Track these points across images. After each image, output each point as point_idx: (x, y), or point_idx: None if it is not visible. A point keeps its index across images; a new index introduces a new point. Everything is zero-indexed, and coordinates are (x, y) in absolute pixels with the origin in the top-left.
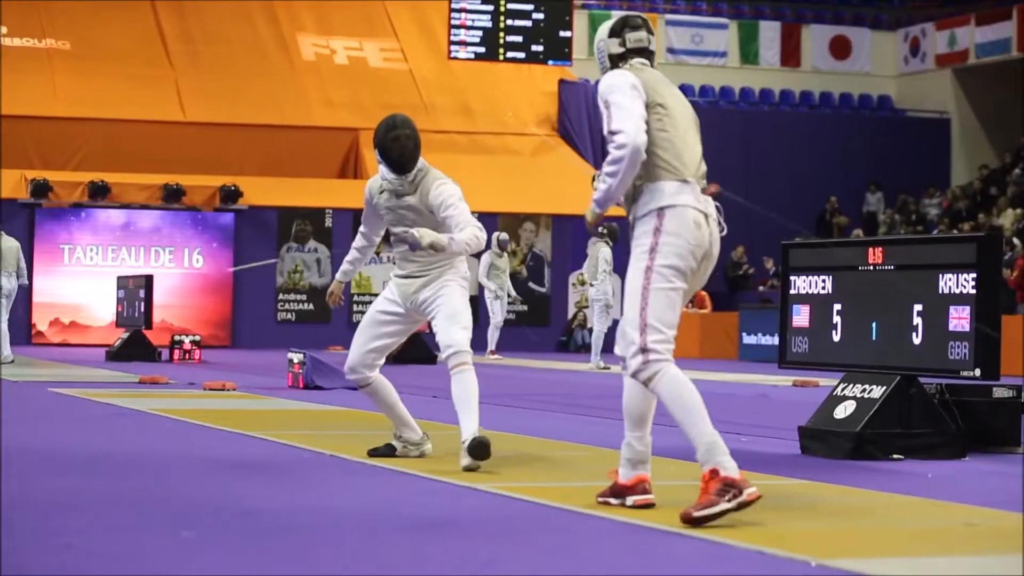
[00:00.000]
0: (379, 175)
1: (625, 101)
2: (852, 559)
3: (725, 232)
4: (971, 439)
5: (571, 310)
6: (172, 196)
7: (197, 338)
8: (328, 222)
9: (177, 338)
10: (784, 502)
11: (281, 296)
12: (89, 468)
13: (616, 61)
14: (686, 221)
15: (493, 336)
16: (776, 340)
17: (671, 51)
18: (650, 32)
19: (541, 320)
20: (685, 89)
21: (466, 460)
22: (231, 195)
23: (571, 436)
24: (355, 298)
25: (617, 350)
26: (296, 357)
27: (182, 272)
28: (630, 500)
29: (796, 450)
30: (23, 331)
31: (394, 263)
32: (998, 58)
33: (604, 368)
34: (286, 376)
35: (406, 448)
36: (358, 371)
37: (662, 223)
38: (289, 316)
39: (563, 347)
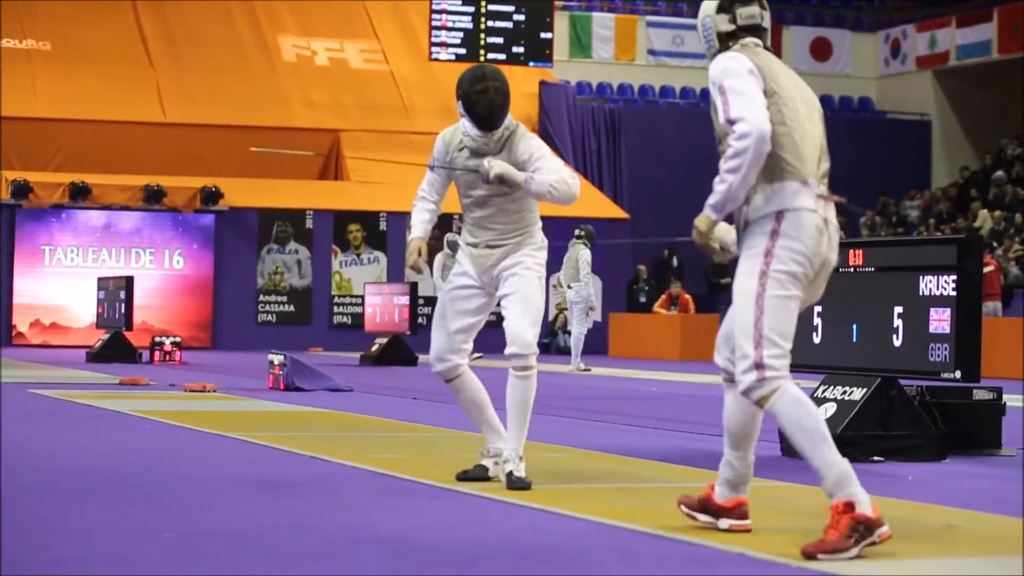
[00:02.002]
0: (456, 128)
1: (743, 86)
2: (832, 561)
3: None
4: (951, 441)
5: (552, 312)
6: (153, 197)
7: (177, 339)
8: (309, 223)
9: (157, 339)
10: (765, 504)
11: (262, 298)
12: (69, 470)
13: (725, 40)
14: (807, 226)
15: None
16: None
17: (652, 52)
18: (763, 7)
19: None
20: (666, 91)
21: (504, 481)
22: (212, 196)
23: (552, 438)
24: (335, 299)
25: (718, 359)
26: (277, 359)
27: (163, 273)
28: (725, 523)
29: (777, 452)
30: (3, 332)
31: (453, 234)
32: (979, 60)
33: (585, 370)
34: (267, 378)
35: (499, 465)
36: (446, 358)
37: (780, 226)
38: (270, 318)
39: (545, 349)
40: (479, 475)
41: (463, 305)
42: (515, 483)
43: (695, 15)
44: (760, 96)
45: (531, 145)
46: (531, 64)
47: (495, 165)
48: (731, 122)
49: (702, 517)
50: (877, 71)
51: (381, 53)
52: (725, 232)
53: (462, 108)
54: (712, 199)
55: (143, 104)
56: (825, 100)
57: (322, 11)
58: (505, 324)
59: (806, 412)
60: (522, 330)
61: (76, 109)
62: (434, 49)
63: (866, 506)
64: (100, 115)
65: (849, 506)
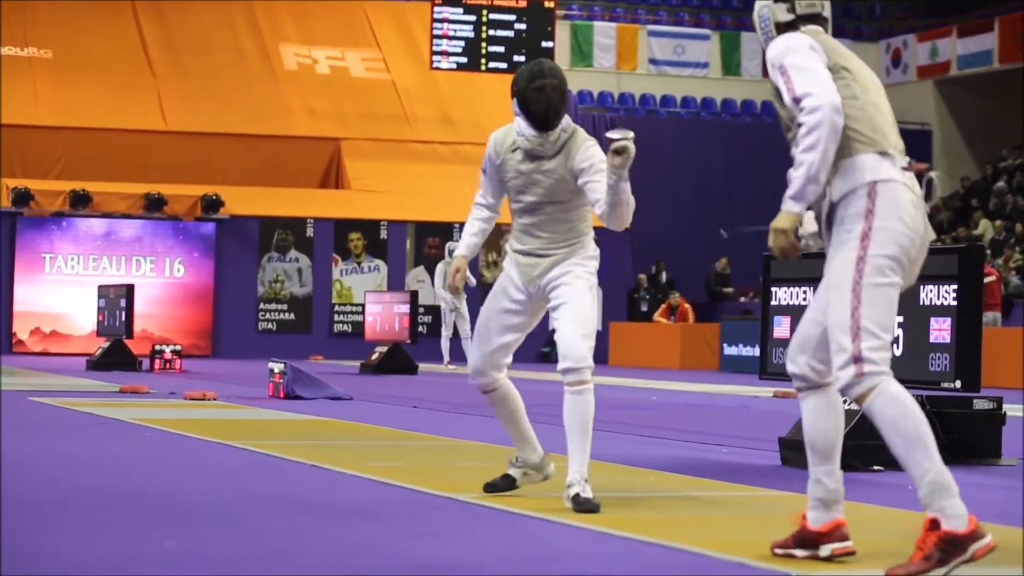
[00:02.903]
0: (510, 128)
1: (806, 62)
2: (832, 571)
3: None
4: (951, 451)
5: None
6: (153, 205)
7: (178, 348)
8: (309, 232)
9: (158, 347)
10: (764, 513)
11: (262, 306)
12: (69, 478)
13: (784, 30)
14: (902, 202)
15: (467, 347)
16: (757, 351)
17: (653, 62)
18: None
19: None
20: (667, 100)
21: (569, 507)
22: (212, 204)
23: (552, 447)
24: (336, 307)
25: (792, 367)
26: (277, 367)
27: (163, 281)
28: (826, 549)
29: (776, 461)
30: (3, 340)
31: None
32: (980, 70)
33: None
34: (267, 386)
35: (527, 476)
36: (485, 373)
37: (874, 204)
38: (270, 326)
39: (545, 358)
40: (506, 485)
41: (506, 320)
42: (583, 505)
43: (697, 24)
44: (825, 70)
45: (593, 155)
46: None
47: (629, 145)
48: (797, 100)
49: (800, 552)
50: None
51: (382, 62)
52: (808, 224)
53: (517, 106)
54: (791, 190)
55: (144, 112)
56: None
57: (323, 19)
58: (556, 337)
59: (904, 414)
60: (575, 343)
61: (77, 117)
62: (435, 58)
63: (957, 521)
64: (101, 123)
65: (935, 523)
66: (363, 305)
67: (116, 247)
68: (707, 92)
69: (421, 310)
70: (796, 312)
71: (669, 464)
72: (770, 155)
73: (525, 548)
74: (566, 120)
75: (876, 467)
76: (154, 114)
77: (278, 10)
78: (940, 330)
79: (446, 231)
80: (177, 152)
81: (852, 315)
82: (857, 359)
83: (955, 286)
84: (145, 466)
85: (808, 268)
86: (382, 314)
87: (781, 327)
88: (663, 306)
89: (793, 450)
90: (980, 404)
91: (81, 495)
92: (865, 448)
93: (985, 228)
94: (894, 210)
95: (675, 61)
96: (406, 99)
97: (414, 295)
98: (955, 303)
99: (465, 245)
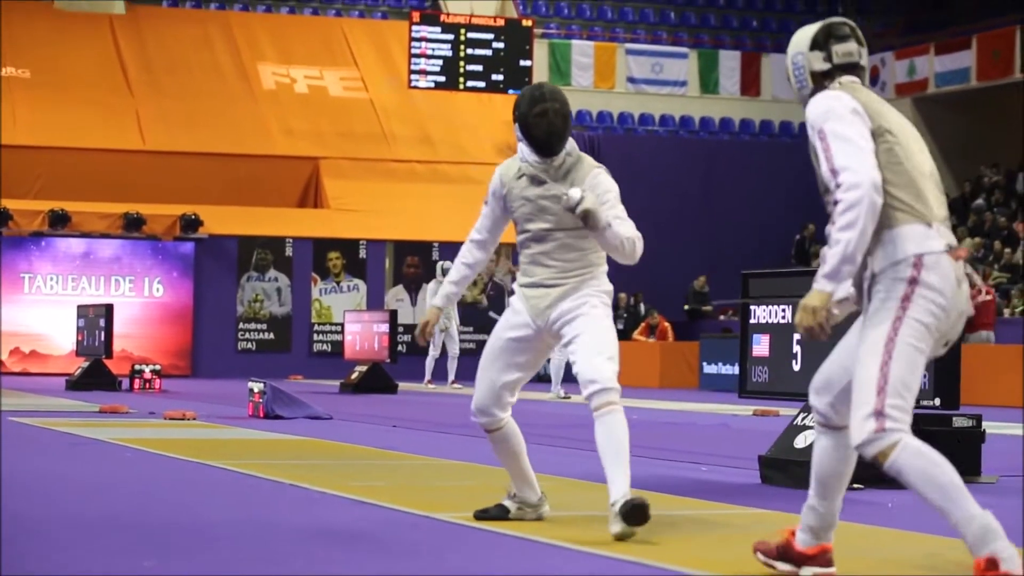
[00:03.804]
0: (514, 159)
1: (847, 130)
2: None
3: (982, 293)
4: None
5: None
6: (132, 225)
7: (157, 367)
8: (288, 251)
9: (137, 367)
10: (744, 532)
11: (241, 325)
12: (47, 498)
13: (820, 80)
14: (947, 275)
15: (452, 367)
16: (737, 369)
17: (631, 80)
18: (860, 43)
19: None
20: (645, 118)
21: (618, 527)
22: (191, 224)
23: (533, 467)
24: (315, 327)
25: (815, 401)
26: (256, 387)
27: (142, 301)
28: (808, 571)
29: (756, 479)
30: None
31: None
32: (958, 87)
33: (565, 397)
34: (247, 405)
35: (522, 510)
36: (489, 412)
37: (920, 273)
38: (249, 345)
39: (536, 377)
40: (498, 514)
41: (514, 358)
42: (632, 511)
43: (675, 43)
44: (866, 141)
45: (602, 184)
46: (510, 92)
47: (587, 199)
48: (835, 172)
49: (782, 566)
50: None
51: (360, 81)
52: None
53: (519, 132)
54: (825, 268)
55: (122, 131)
56: (804, 127)
57: (301, 38)
58: (578, 366)
59: (934, 463)
60: (599, 364)
61: (55, 137)
62: (413, 77)
63: (1013, 564)
64: (79, 143)
65: (992, 563)
66: (342, 324)
67: (95, 267)
68: (685, 110)
69: (400, 329)
70: (775, 330)
71: (648, 482)
72: (748, 172)
73: (504, 567)
74: (571, 144)
75: (856, 485)
76: (132, 134)
77: (256, 29)
78: None
79: (425, 250)
80: (155, 172)
81: (880, 370)
82: (879, 414)
83: None
84: (124, 486)
85: (787, 286)
86: (361, 333)
87: (760, 345)
88: (643, 324)
89: (774, 468)
90: (960, 422)
91: (60, 515)
92: None
93: (969, 245)
94: (938, 283)
95: (653, 79)
96: (384, 118)
97: (393, 314)
98: None
99: (443, 295)
